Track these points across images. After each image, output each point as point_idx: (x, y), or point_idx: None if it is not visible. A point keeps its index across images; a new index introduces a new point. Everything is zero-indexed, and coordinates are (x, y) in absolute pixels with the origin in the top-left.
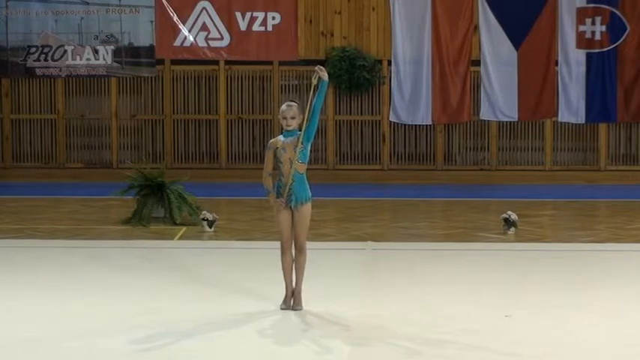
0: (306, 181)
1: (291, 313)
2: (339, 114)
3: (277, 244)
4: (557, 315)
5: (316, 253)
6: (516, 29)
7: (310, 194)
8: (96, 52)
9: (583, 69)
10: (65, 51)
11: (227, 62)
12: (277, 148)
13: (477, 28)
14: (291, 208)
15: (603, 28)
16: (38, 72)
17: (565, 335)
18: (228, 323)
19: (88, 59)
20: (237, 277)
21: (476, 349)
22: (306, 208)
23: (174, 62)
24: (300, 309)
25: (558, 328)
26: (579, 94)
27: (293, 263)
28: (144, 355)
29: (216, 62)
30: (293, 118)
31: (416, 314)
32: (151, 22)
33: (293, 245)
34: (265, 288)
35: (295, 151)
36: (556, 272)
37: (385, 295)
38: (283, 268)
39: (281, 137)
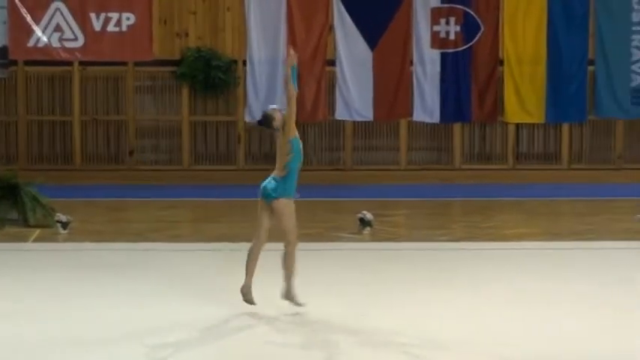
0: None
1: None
2: (195, 114)
3: (132, 245)
4: (414, 313)
5: (172, 254)
6: (371, 29)
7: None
8: None
9: (438, 69)
10: None
11: (81, 63)
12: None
13: (332, 28)
14: None
15: (457, 28)
16: None
17: (421, 332)
18: (65, 327)
19: None
20: (90, 277)
21: (330, 347)
22: None
23: (27, 63)
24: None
25: (414, 326)
26: (434, 94)
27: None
28: None
29: (70, 63)
30: None
31: (260, 313)
32: (4, 22)
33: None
34: (115, 288)
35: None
36: (411, 271)
37: (229, 295)
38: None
39: None
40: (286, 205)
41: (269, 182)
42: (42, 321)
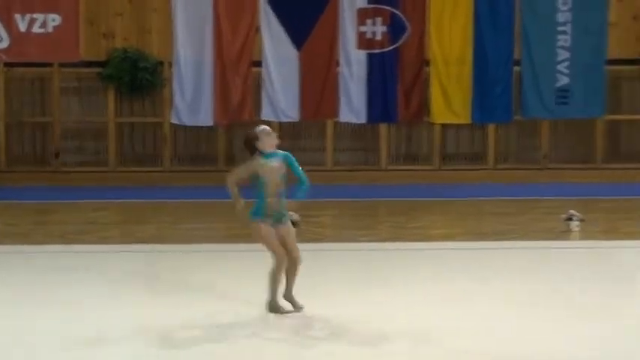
0: None
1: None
2: (121, 116)
3: (57, 247)
4: (340, 313)
5: (96, 255)
6: (298, 30)
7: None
8: None
9: (364, 69)
10: None
11: (6, 64)
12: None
13: (258, 28)
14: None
15: (384, 28)
16: None
17: (357, 333)
18: None
19: None
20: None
21: (277, 344)
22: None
23: None
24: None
25: (343, 324)
26: (360, 95)
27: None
28: None
29: None
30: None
31: (193, 313)
32: None
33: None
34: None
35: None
36: (337, 271)
37: (161, 298)
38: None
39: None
40: (253, 230)
41: None
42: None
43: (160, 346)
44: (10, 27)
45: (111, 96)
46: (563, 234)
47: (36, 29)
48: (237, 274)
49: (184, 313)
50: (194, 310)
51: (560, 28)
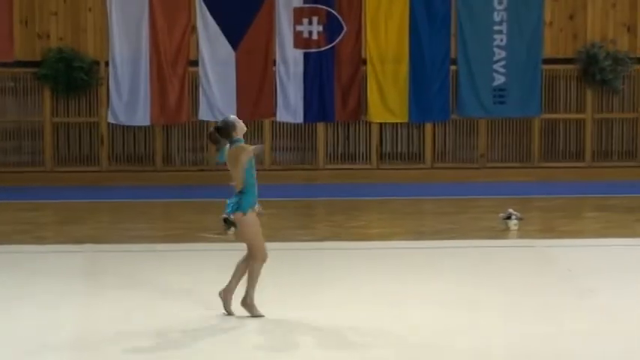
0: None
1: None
2: (57, 116)
3: None
4: (279, 315)
5: (32, 255)
6: (234, 29)
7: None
8: None
9: (301, 68)
10: None
11: None
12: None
13: (194, 28)
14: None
15: (320, 27)
16: None
17: (299, 332)
18: None
19: None
20: None
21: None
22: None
23: None
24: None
25: (284, 325)
26: (297, 94)
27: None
28: None
29: None
30: None
31: (138, 316)
32: None
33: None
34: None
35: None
36: (275, 272)
37: (105, 299)
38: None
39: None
40: (245, 223)
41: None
42: None
43: (115, 351)
44: None
45: (47, 96)
46: (502, 233)
47: None
48: (182, 274)
49: (136, 315)
50: (147, 312)
51: (496, 27)
